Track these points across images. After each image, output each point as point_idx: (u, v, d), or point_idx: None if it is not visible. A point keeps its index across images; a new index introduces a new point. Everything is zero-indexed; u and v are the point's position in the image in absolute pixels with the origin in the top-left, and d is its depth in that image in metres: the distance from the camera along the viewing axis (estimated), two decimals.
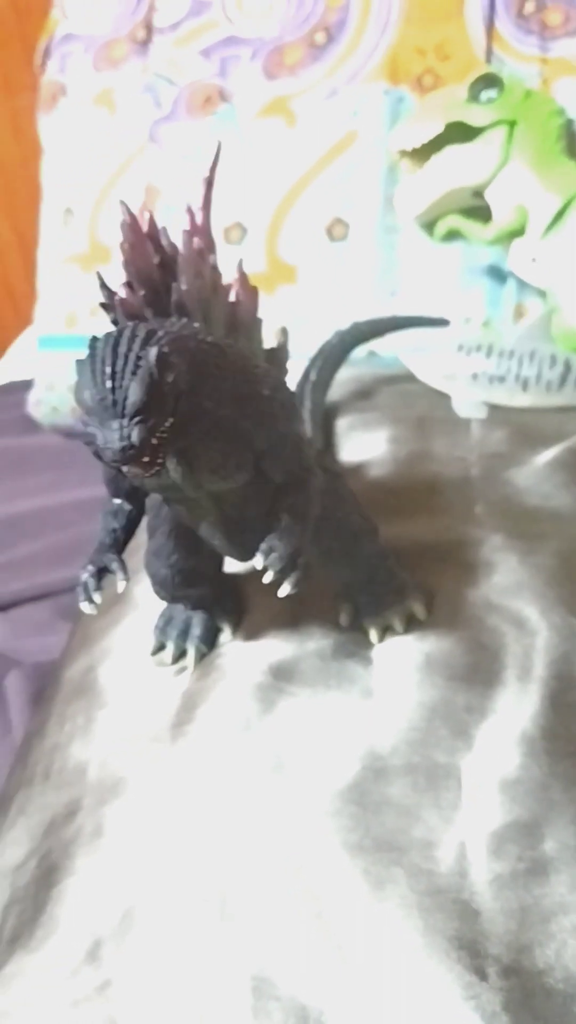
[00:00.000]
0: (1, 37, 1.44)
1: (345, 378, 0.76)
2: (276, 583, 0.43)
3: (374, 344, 0.82)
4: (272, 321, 0.53)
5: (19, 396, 1.07)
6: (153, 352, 0.37)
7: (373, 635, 0.50)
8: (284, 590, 0.43)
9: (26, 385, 1.06)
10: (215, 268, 0.46)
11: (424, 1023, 0.35)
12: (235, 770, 0.45)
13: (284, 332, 0.51)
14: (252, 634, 0.52)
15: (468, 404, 0.72)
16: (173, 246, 0.44)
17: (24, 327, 1.36)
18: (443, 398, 0.74)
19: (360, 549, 0.50)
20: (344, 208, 0.90)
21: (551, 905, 0.37)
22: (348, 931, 0.38)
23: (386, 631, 0.50)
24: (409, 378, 0.76)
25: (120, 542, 0.46)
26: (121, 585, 0.45)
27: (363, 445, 0.67)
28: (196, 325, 0.42)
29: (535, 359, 0.72)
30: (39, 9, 1.16)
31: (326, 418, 0.70)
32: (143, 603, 0.56)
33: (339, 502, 0.49)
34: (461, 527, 0.57)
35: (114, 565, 0.45)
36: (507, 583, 0.52)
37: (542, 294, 0.81)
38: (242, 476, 0.44)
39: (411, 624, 0.50)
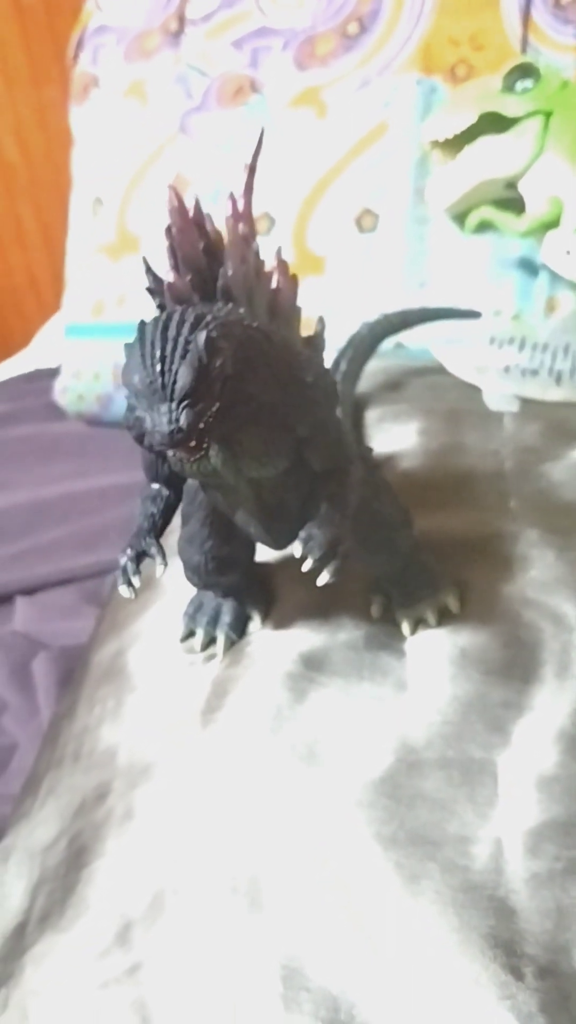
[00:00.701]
0: (31, 31, 1.45)
1: (374, 370, 0.75)
2: (315, 571, 0.42)
3: (403, 336, 0.81)
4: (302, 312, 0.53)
5: (45, 384, 1.07)
6: (202, 336, 0.37)
7: (405, 627, 0.49)
8: (323, 579, 0.42)
9: (52, 373, 1.06)
10: (258, 254, 0.46)
11: (458, 1022, 0.34)
12: (265, 758, 0.44)
13: (321, 321, 0.51)
14: (282, 623, 0.51)
15: (500, 397, 0.71)
16: (218, 232, 0.44)
17: (47, 317, 1.36)
18: (474, 391, 0.73)
19: (395, 540, 0.50)
20: (374, 199, 0.89)
21: None
22: (380, 925, 0.37)
23: (419, 624, 0.50)
24: (439, 370, 0.75)
25: (158, 527, 0.46)
26: (160, 569, 0.44)
27: (393, 437, 0.66)
28: (242, 311, 0.42)
29: (569, 352, 0.71)
30: (69, 5, 1.16)
31: (355, 410, 0.69)
32: (172, 589, 0.56)
33: (377, 492, 0.49)
34: (495, 521, 0.56)
35: (153, 550, 0.45)
36: (544, 578, 0.51)
37: (575, 287, 0.80)
38: (282, 463, 0.44)
39: (444, 617, 0.50)
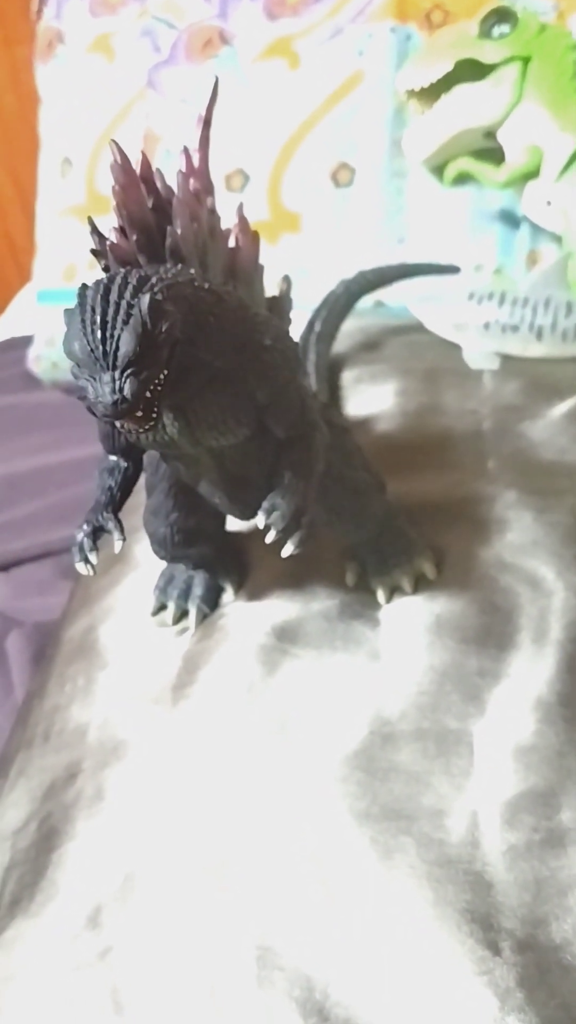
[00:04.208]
0: None
1: (351, 329, 0.73)
2: (279, 543, 0.41)
3: (381, 294, 0.79)
4: (275, 271, 0.51)
5: (20, 352, 1.05)
6: (146, 300, 0.35)
7: (380, 595, 0.48)
8: (287, 550, 0.41)
9: (27, 341, 1.04)
10: (213, 211, 0.44)
11: (435, 998, 0.33)
12: (237, 733, 0.43)
13: (287, 280, 0.49)
14: (255, 594, 0.50)
15: (480, 355, 0.70)
16: (169, 189, 0.42)
17: (26, 282, 1.33)
18: (453, 349, 0.71)
19: (367, 506, 0.48)
20: (349, 152, 0.86)
21: (568, 878, 0.36)
22: (355, 901, 0.36)
23: (394, 591, 0.49)
24: (418, 329, 0.73)
25: (117, 500, 0.44)
26: (118, 545, 0.43)
27: (370, 398, 0.65)
28: (192, 271, 0.40)
29: (550, 307, 0.70)
30: None
31: (331, 371, 0.67)
32: (144, 562, 0.54)
33: (345, 457, 0.48)
34: (473, 483, 0.55)
35: (110, 524, 0.43)
36: (521, 541, 0.50)
37: (557, 239, 0.78)
38: (243, 431, 0.42)
39: (420, 584, 0.49)
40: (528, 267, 0.80)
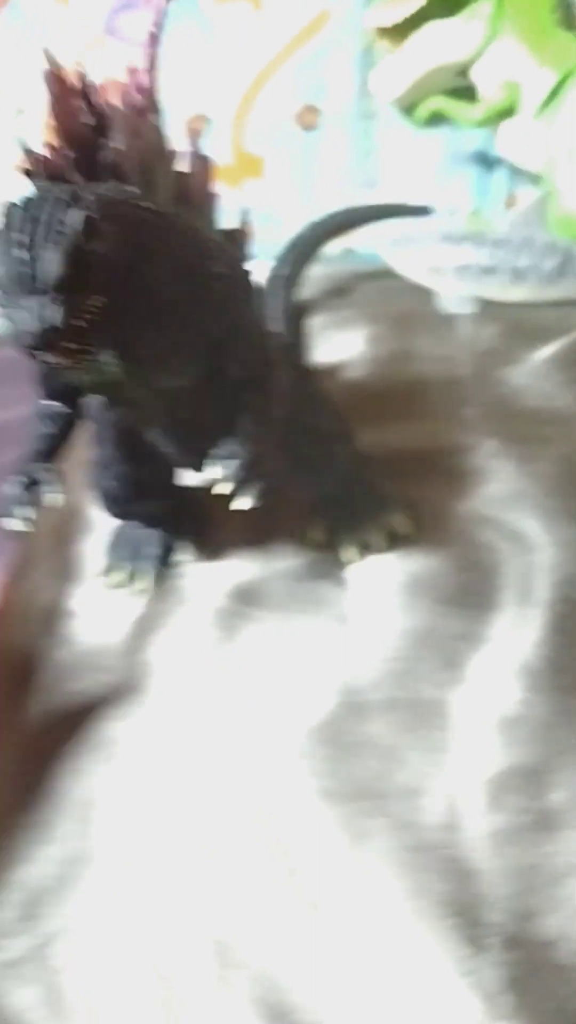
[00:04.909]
0: None
1: (318, 277, 0.69)
2: (233, 495, 0.36)
3: (351, 240, 0.75)
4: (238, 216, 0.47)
5: None
6: (77, 216, 0.31)
7: (348, 553, 0.44)
8: (243, 503, 0.37)
9: None
10: (159, 130, 0.39)
11: (412, 1003, 0.29)
12: (192, 705, 0.40)
13: (246, 213, 0.44)
14: (214, 553, 0.46)
15: (455, 299, 0.66)
16: (112, 107, 0.37)
17: None
18: (428, 294, 0.67)
19: (333, 456, 0.44)
20: (316, 94, 0.82)
21: (561, 865, 0.32)
22: (324, 891, 0.33)
23: (364, 549, 0.45)
24: (389, 274, 0.70)
25: (53, 449, 0.40)
26: (53, 499, 0.38)
27: (338, 345, 0.61)
28: (135, 190, 0.36)
29: (530, 248, 0.65)
30: None
31: (297, 316, 0.63)
32: (97, 520, 0.50)
33: (309, 402, 0.44)
34: (449, 432, 0.52)
35: (45, 475, 0.38)
36: (503, 493, 0.47)
37: (535, 181, 0.73)
38: (193, 371, 0.38)
39: (393, 541, 0.45)
40: (506, 211, 0.76)
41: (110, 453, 0.43)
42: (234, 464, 0.36)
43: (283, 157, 0.83)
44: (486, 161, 0.77)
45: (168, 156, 0.39)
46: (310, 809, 0.35)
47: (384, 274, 0.69)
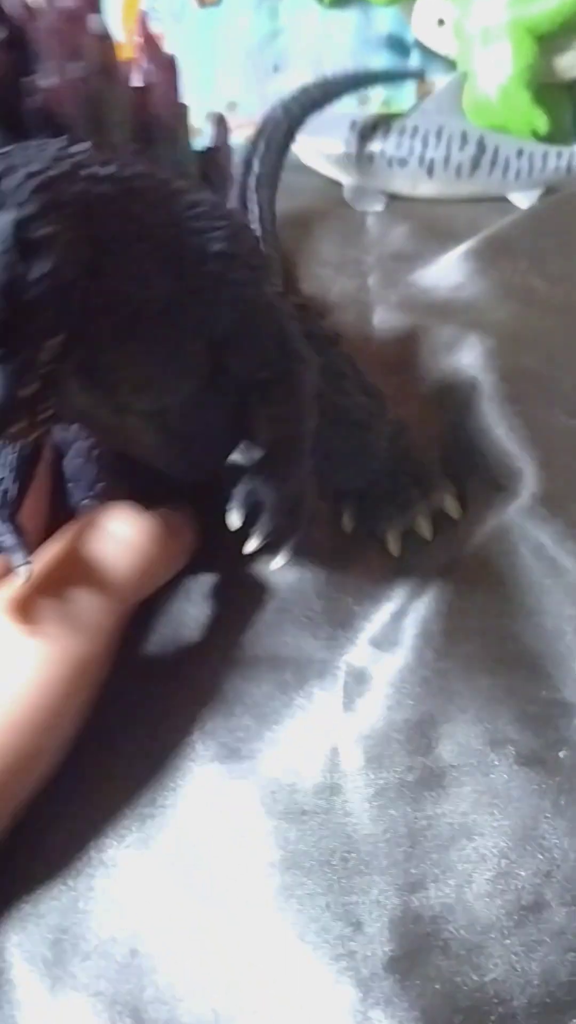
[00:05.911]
0: None
1: None
2: (266, 550, 0.29)
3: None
4: None
5: None
6: (7, 226, 0.21)
7: (390, 543, 0.36)
8: (278, 562, 0.30)
9: None
10: (105, 37, 0.28)
11: (278, 993, 0.26)
12: None
13: (220, 121, 0.34)
14: None
15: (363, 194, 0.60)
16: (27, 12, 0.27)
17: None
18: (332, 188, 0.62)
19: (372, 443, 0.35)
20: None
21: (450, 827, 0.28)
22: (181, 867, 0.28)
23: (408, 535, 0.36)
24: (294, 168, 0.62)
25: (13, 501, 0.31)
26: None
27: None
28: (83, 147, 0.25)
29: (442, 137, 0.59)
30: None
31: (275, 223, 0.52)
32: None
33: (337, 382, 0.34)
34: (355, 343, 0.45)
35: (8, 539, 0.30)
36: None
37: (451, 67, 0.67)
38: (188, 383, 0.28)
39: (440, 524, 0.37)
40: (419, 100, 0.70)
41: (83, 467, 0.34)
42: (266, 515, 0.28)
43: (181, 36, 0.75)
44: (399, 45, 0.71)
45: (121, 73, 0.29)
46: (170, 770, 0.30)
47: (288, 167, 0.63)
